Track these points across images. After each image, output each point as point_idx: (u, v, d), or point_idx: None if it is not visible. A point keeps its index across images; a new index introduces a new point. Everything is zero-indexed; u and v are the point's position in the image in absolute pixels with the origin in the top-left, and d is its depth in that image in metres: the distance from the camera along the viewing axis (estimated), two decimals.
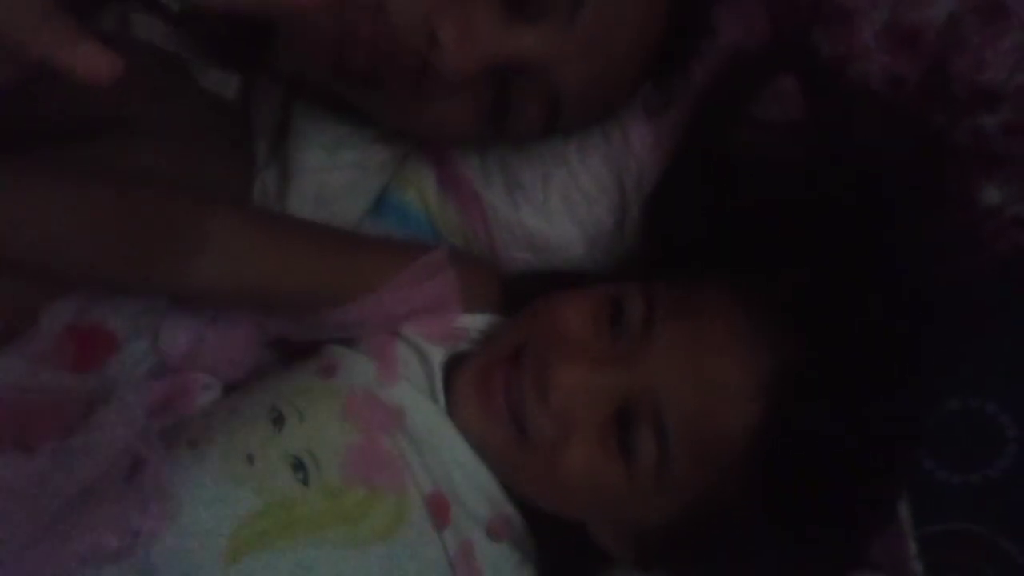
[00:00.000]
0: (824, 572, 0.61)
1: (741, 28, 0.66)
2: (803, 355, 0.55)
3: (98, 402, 0.56)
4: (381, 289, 0.61)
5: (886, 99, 0.66)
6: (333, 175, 0.68)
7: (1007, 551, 0.71)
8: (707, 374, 0.55)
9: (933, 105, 0.66)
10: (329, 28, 0.54)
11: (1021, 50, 0.64)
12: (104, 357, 0.61)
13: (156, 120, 0.62)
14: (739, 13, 0.66)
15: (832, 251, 0.58)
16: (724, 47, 0.67)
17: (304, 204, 0.68)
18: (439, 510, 0.58)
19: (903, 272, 0.59)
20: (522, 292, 0.64)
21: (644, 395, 0.56)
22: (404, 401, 0.60)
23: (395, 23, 0.54)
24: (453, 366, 0.62)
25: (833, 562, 0.61)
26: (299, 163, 0.68)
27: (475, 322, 0.64)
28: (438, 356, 0.62)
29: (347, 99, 0.62)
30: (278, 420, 0.57)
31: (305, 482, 0.55)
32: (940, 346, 0.63)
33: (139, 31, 0.61)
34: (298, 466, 0.55)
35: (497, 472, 0.60)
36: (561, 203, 0.68)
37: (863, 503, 0.59)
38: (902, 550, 0.68)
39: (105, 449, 0.54)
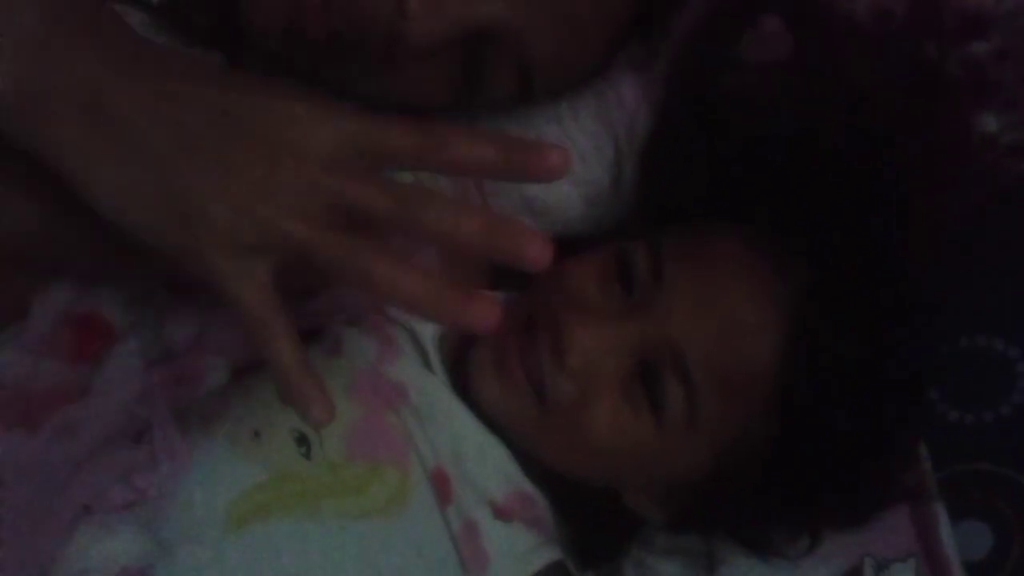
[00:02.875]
0: (856, 511, 0.61)
1: None
2: (816, 279, 0.55)
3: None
4: None
5: (873, 33, 0.66)
6: None
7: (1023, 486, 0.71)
8: (723, 312, 0.55)
9: (923, 36, 0.66)
10: None
11: None
12: (103, 347, 0.59)
13: None
14: None
15: (831, 182, 0.58)
16: None
17: None
18: (442, 486, 0.57)
19: (903, 199, 0.58)
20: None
21: (663, 344, 0.55)
22: (406, 378, 0.59)
23: None
24: (465, 343, 0.61)
25: (865, 499, 0.61)
26: None
27: None
28: (428, 331, 0.61)
29: (318, 71, 0.61)
30: None
31: (308, 456, 0.54)
32: (948, 280, 0.64)
33: None
34: (301, 440, 0.55)
35: (524, 445, 0.59)
36: None
37: (891, 433, 0.58)
38: (923, 487, 0.67)
39: (108, 414, 0.53)
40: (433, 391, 0.59)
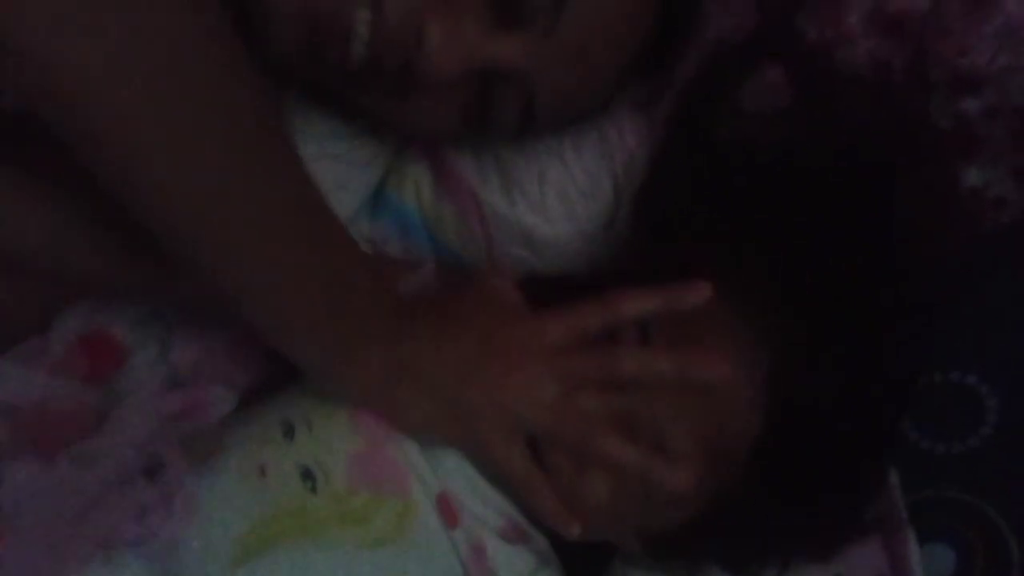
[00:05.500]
0: (828, 539, 0.64)
1: (728, 19, 0.67)
2: (795, 335, 0.57)
3: (113, 410, 0.56)
4: None
5: (871, 84, 0.68)
6: (322, 166, 0.68)
7: (987, 516, 0.74)
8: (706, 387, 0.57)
9: (917, 89, 0.68)
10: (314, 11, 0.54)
11: (1002, 35, 0.66)
12: (114, 367, 0.61)
13: None
14: (726, 4, 0.67)
15: (816, 226, 0.60)
16: (711, 39, 0.67)
17: None
18: (448, 511, 0.59)
19: (885, 244, 0.61)
20: None
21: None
22: None
23: (388, 17, 0.54)
24: None
25: (836, 528, 0.63)
26: None
27: None
28: None
29: (331, 90, 0.62)
30: (288, 431, 0.58)
31: (314, 490, 0.57)
32: (929, 319, 0.66)
33: None
34: (307, 475, 0.57)
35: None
36: (558, 200, 0.69)
37: (862, 467, 0.62)
38: (894, 514, 0.70)
39: (123, 450, 0.55)
40: None
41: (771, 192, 0.61)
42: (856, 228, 0.60)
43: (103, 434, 0.57)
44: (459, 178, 0.70)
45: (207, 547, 0.54)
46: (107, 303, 0.63)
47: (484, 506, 0.60)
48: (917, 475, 0.74)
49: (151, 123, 0.42)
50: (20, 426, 0.57)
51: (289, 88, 0.68)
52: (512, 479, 0.58)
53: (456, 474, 0.60)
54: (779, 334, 0.57)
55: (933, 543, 0.75)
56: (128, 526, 0.53)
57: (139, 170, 0.44)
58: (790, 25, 0.69)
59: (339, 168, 0.68)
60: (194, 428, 0.59)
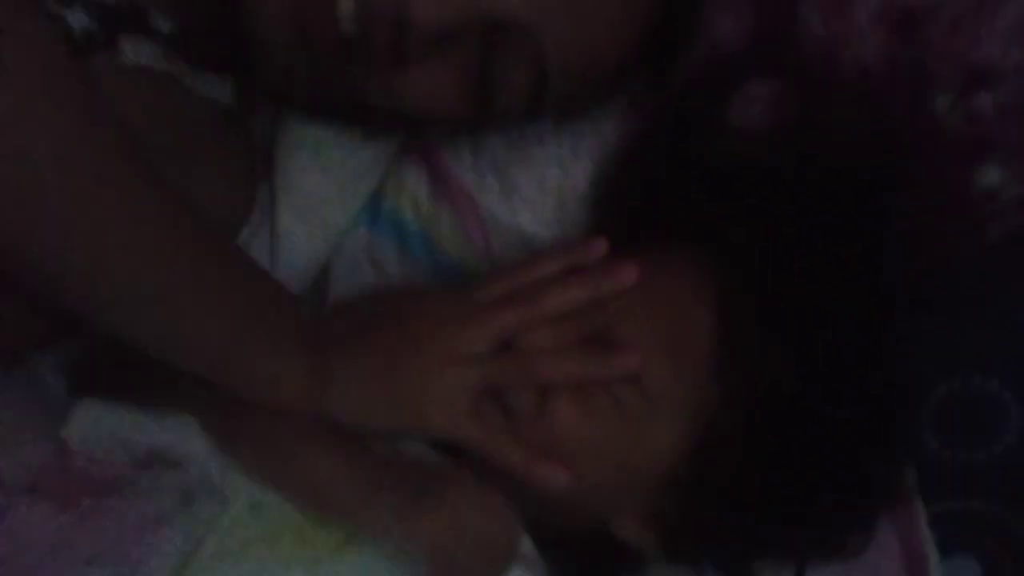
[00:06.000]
0: (835, 540, 0.63)
1: (728, 20, 0.66)
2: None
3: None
4: None
5: (861, 97, 0.66)
6: (318, 176, 0.68)
7: (1013, 527, 0.72)
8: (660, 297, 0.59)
9: (928, 86, 0.66)
10: None
11: (1015, 29, 0.64)
12: None
13: (156, 136, 0.62)
14: (726, 6, 0.66)
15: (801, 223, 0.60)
16: (710, 41, 0.66)
17: (292, 210, 0.68)
18: None
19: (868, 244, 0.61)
20: None
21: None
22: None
23: None
24: None
25: (844, 531, 0.62)
26: (285, 164, 0.67)
27: None
28: None
29: (329, 87, 0.60)
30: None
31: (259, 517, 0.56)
32: (933, 326, 0.66)
33: (128, 55, 0.61)
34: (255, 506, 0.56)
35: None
36: (557, 206, 0.68)
37: (859, 470, 0.60)
38: (914, 523, 0.68)
39: (136, 518, 0.54)
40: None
41: (747, 193, 0.61)
42: (837, 225, 0.60)
43: (123, 499, 0.56)
44: (457, 184, 0.69)
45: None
46: None
47: None
48: (939, 485, 0.72)
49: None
50: (41, 473, 0.57)
51: (286, 102, 0.68)
52: (470, 444, 0.57)
53: None
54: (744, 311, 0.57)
55: (957, 555, 0.72)
56: None
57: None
58: (783, 37, 0.67)
59: (334, 176, 0.67)
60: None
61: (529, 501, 0.59)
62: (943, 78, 0.66)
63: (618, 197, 0.66)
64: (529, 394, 0.58)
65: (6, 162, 0.44)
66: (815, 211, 0.60)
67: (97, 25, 0.59)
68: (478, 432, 0.57)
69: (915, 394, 0.70)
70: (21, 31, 0.44)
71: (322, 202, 0.68)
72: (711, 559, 0.63)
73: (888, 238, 0.61)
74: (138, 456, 0.56)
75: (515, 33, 0.56)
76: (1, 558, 0.51)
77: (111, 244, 0.48)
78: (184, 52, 0.63)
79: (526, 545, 0.60)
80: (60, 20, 0.58)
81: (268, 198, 0.69)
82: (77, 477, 0.56)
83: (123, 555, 0.52)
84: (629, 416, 0.58)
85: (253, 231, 0.69)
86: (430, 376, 0.57)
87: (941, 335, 0.70)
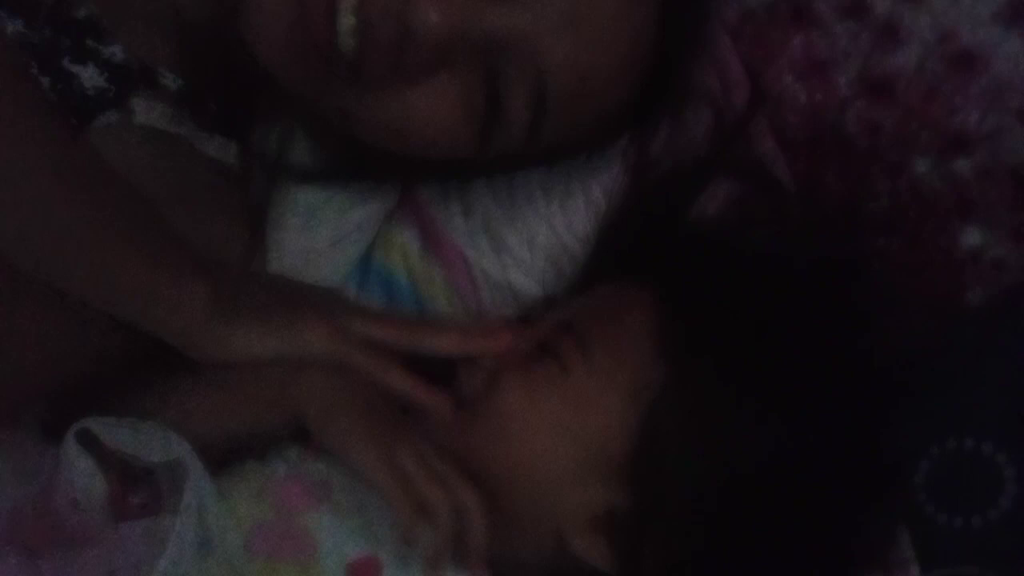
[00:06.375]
0: None
1: (716, 77, 0.68)
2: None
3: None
4: None
5: (861, 146, 0.68)
6: (309, 236, 0.69)
7: None
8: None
9: (909, 151, 0.68)
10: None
11: (990, 95, 0.66)
12: None
13: (163, 190, 0.64)
14: (714, 62, 0.68)
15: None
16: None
17: (282, 268, 0.69)
18: (365, 574, 0.59)
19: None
20: None
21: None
22: (329, 473, 0.62)
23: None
24: None
25: None
26: (277, 225, 0.69)
27: None
28: None
29: (331, 120, 0.61)
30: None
31: (209, 554, 0.57)
32: (921, 390, 0.65)
33: (140, 118, 0.63)
34: (204, 541, 0.57)
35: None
36: (548, 263, 0.69)
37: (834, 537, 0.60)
38: None
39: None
40: (357, 481, 0.61)
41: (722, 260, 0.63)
42: (801, 301, 0.61)
43: (92, 551, 0.57)
44: (448, 242, 0.70)
45: None
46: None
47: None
48: (933, 550, 0.70)
49: None
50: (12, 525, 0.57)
51: (284, 155, 0.69)
52: (355, 365, 0.62)
53: (386, 539, 0.60)
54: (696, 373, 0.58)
55: None
56: None
57: None
58: (741, 140, 0.70)
59: (319, 239, 0.69)
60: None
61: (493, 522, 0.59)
62: (922, 143, 0.68)
63: (601, 254, 0.68)
64: (479, 375, 0.61)
65: None
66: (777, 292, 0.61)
67: (108, 83, 0.62)
68: (362, 357, 0.62)
69: (903, 460, 0.70)
70: None
71: (312, 260, 0.69)
72: None
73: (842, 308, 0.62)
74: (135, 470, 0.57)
75: (515, 52, 0.56)
76: None
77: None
78: (191, 109, 0.65)
79: None
80: (74, 79, 0.61)
81: (259, 259, 0.70)
82: (50, 528, 0.56)
83: None
84: (574, 383, 0.60)
85: None
86: (321, 312, 0.63)
87: (929, 399, 0.70)
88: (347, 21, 0.53)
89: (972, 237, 0.68)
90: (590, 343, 0.61)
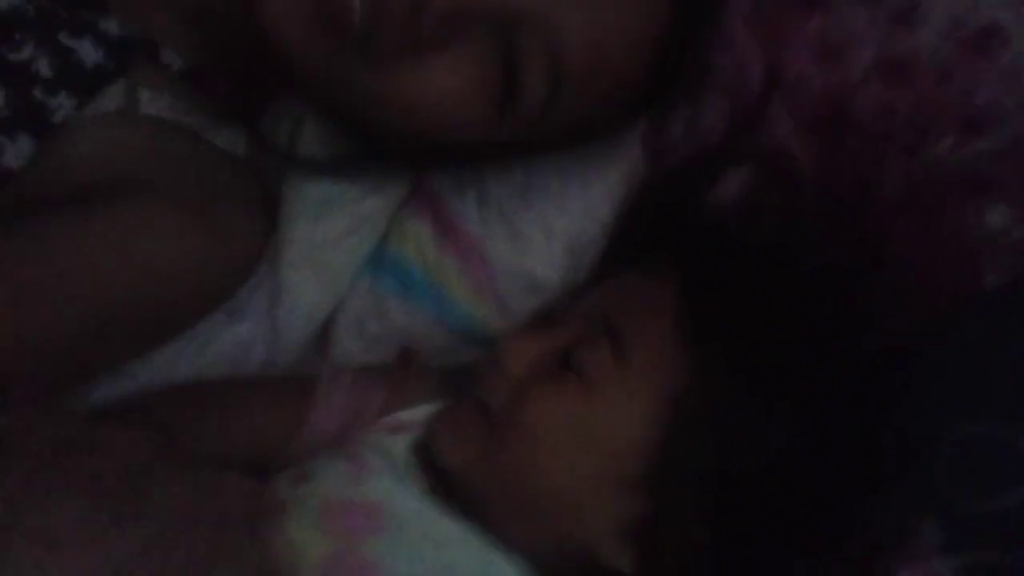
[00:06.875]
0: None
1: (730, 62, 0.67)
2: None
3: None
4: (310, 412, 0.66)
5: (875, 129, 0.67)
6: (322, 226, 0.69)
7: None
8: None
9: (926, 133, 0.67)
10: None
11: (1008, 74, 0.66)
12: None
13: (172, 182, 0.63)
14: (728, 47, 0.67)
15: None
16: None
17: (296, 258, 0.68)
18: None
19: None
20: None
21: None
22: (379, 495, 0.61)
23: None
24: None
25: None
26: (289, 217, 0.68)
27: (415, 414, 0.65)
28: (400, 443, 0.64)
29: (347, 104, 0.60)
30: None
31: None
32: (936, 375, 0.65)
33: (146, 108, 0.63)
34: None
35: (495, 520, 0.60)
36: (567, 252, 0.69)
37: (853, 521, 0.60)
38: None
39: None
40: (408, 508, 0.60)
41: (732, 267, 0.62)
42: (804, 295, 0.60)
43: None
44: (463, 231, 0.70)
45: None
46: None
47: (480, 568, 0.59)
48: (953, 536, 0.70)
49: None
50: None
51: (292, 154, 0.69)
52: None
53: (443, 543, 0.59)
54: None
55: None
56: None
57: None
58: (755, 130, 0.69)
59: (338, 227, 0.68)
60: None
61: (518, 521, 0.59)
62: (939, 125, 0.67)
63: (619, 241, 0.68)
64: (503, 387, 0.59)
65: None
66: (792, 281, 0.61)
67: (105, 59, 0.60)
68: None
69: (920, 447, 0.69)
70: None
71: (326, 250, 0.68)
72: None
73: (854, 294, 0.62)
74: None
75: (529, 25, 0.55)
76: None
77: None
78: (196, 90, 0.64)
79: None
80: (71, 54, 0.59)
81: (271, 252, 0.70)
82: None
83: None
84: (597, 392, 0.57)
85: (258, 282, 0.69)
86: None
87: (945, 384, 0.69)
88: None
89: (992, 219, 0.68)
90: (628, 348, 0.58)
